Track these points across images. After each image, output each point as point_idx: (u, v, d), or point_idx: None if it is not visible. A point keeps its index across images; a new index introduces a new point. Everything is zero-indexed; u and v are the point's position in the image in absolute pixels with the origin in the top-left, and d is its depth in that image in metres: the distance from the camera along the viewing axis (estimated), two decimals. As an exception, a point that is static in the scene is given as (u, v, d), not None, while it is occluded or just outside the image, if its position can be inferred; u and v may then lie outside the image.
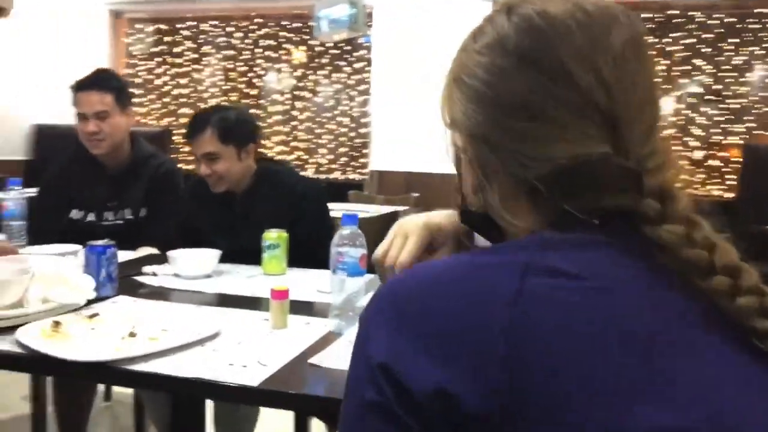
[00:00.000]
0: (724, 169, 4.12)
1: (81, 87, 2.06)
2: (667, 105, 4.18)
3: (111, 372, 0.90)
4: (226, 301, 1.35)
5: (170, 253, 1.55)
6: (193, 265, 1.54)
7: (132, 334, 1.04)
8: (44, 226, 1.96)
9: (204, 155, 1.76)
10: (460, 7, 4.07)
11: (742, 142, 4.07)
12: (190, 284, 1.47)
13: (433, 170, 4.03)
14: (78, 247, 1.63)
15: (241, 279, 1.55)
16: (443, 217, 0.73)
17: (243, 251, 1.66)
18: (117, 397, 2.47)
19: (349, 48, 4.83)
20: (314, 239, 1.66)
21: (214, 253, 1.58)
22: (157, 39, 5.35)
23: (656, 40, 4.17)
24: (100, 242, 1.34)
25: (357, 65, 4.83)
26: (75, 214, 2.11)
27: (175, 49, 5.32)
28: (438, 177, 3.98)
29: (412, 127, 4.16)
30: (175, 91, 5.36)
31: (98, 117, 2.03)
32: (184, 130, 1.96)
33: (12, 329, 1.02)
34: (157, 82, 5.37)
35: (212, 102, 5.24)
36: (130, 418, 2.17)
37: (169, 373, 0.88)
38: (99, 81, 2.07)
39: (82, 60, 4.90)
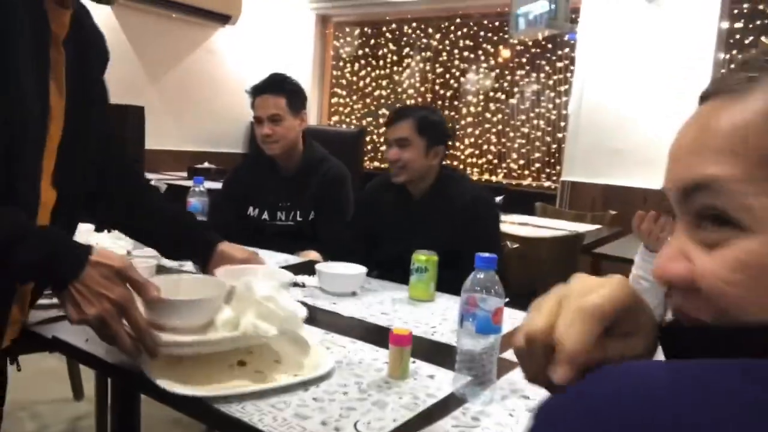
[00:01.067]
0: None
1: (256, 91, 2.13)
2: None
3: (199, 408, 0.83)
4: (356, 329, 1.23)
5: (318, 267, 1.49)
6: (338, 282, 1.46)
7: (241, 363, 0.96)
8: (219, 221, 2.06)
9: (397, 140, 1.86)
10: (683, 3, 3.52)
11: None
12: (331, 302, 1.40)
13: (634, 184, 3.54)
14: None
15: (385, 302, 1.43)
16: (631, 292, 0.42)
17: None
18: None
19: (550, 46, 4.49)
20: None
21: (360, 271, 1.48)
22: (362, 42, 5.54)
23: None
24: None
25: (559, 64, 4.47)
26: (251, 211, 2.21)
27: (379, 52, 5.46)
28: (640, 192, 3.50)
29: (614, 134, 3.70)
30: (376, 92, 5.50)
31: (272, 120, 2.09)
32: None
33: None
34: (360, 83, 5.57)
35: (409, 103, 5.28)
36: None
37: (251, 423, 0.78)
38: (272, 85, 2.12)
39: (292, 61, 5.27)
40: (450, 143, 1.97)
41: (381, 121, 5.40)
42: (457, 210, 1.81)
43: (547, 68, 4.53)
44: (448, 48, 5.11)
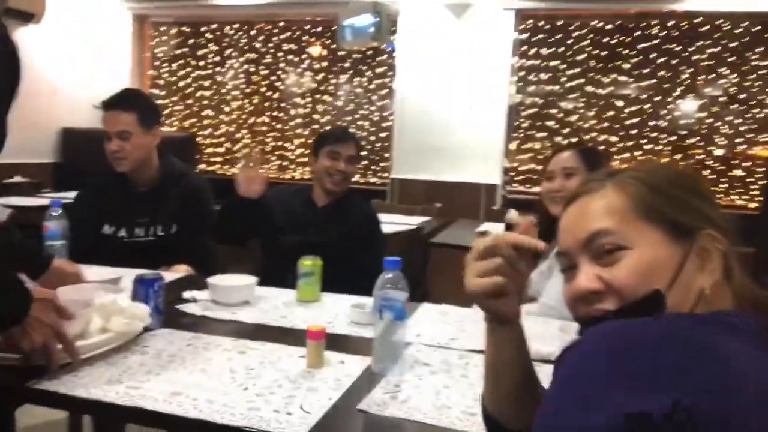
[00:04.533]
0: (748, 179, 4.09)
1: (106, 106, 2.12)
2: (692, 111, 4.16)
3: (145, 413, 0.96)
4: (262, 332, 1.39)
5: (209, 281, 1.60)
6: (232, 293, 1.58)
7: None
8: (80, 243, 2.01)
9: (349, 158, 2.22)
10: (484, 19, 4.09)
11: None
12: (230, 312, 1.52)
13: (453, 179, 4.06)
14: (121, 272, 1.70)
15: (278, 306, 1.60)
16: None
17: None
18: None
19: (370, 53, 4.87)
20: None
21: (252, 281, 1.62)
22: (181, 41, 5.43)
23: (680, 48, 4.14)
24: (148, 273, 1.39)
25: (379, 70, 4.86)
26: (106, 229, 2.18)
27: (199, 52, 5.40)
28: (457, 185, 4.02)
29: (433, 134, 4.19)
30: (198, 93, 5.44)
31: (120, 136, 2.09)
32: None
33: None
34: (181, 84, 5.46)
35: (234, 104, 5.32)
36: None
37: (219, 422, 0.93)
38: (123, 101, 2.13)
39: (108, 64, 5.00)
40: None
41: (206, 122, 5.37)
42: (355, 222, 2.22)
43: (368, 73, 4.91)
44: (272, 50, 5.24)
